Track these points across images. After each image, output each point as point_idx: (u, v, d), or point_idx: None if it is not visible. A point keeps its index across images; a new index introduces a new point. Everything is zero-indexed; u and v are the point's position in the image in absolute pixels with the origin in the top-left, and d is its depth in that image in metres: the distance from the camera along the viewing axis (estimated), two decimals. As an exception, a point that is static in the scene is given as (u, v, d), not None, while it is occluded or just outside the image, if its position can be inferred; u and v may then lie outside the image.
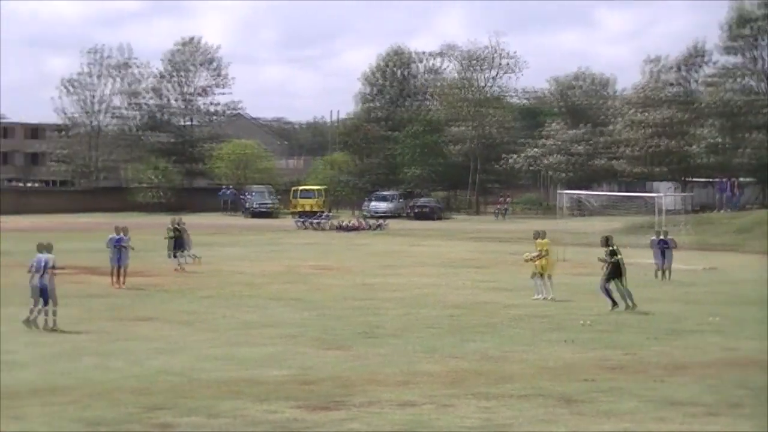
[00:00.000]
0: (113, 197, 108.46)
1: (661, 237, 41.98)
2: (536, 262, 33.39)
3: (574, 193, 74.95)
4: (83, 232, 69.72)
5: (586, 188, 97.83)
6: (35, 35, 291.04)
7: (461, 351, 22.98)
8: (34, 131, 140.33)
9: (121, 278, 34.92)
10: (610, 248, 31.30)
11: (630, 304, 30.43)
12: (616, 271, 30.72)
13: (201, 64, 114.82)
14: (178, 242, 43.36)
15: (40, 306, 25.53)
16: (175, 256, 42.84)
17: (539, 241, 33.75)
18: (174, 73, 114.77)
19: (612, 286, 30.59)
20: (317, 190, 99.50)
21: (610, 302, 30.32)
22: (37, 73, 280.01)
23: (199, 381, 19.19)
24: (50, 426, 15.68)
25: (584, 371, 20.67)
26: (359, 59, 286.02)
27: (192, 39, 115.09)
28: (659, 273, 40.97)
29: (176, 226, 44.01)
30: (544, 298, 32.73)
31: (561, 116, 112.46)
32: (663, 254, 41.24)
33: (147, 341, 23.72)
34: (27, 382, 18.98)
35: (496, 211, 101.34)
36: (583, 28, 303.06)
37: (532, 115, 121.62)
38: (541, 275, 33.36)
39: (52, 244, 26.71)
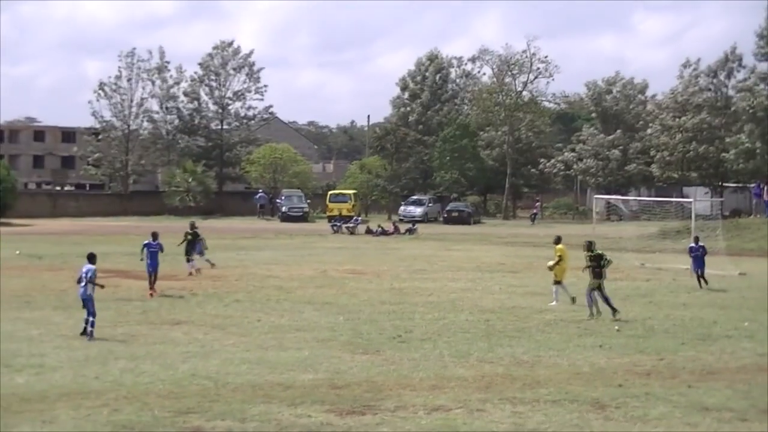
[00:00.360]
0: (147, 201, 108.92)
1: (700, 243, 41.17)
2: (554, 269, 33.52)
3: (609, 198, 74.87)
4: (116, 235, 69.99)
5: (620, 193, 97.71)
6: (72, 39, 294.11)
7: (493, 355, 22.92)
8: (68, 135, 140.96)
9: (154, 284, 34.75)
10: (594, 253, 31.26)
11: (597, 312, 30.19)
12: (598, 276, 30.74)
13: (236, 69, 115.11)
14: (192, 245, 43.14)
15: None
16: (189, 260, 42.59)
17: (557, 246, 33.76)
18: (209, 77, 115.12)
19: (597, 294, 30.51)
20: (350, 194, 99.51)
21: (610, 309, 30.07)
22: (73, 76, 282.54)
23: (230, 385, 19.20)
24: (81, 429, 15.72)
25: (616, 376, 20.60)
26: (396, 63, 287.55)
27: (227, 43, 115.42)
28: (701, 280, 39.61)
29: (192, 229, 43.86)
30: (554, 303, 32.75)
31: (595, 121, 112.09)
32: (701, 260, 40.38)
33: (178, 345, 23.76)
34: (58, 385, 19.04)
35: (532, 215, 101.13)
36: (620, 32, 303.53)
37: (567, 120, 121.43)
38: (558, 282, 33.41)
39: (95, 254, 26.52)
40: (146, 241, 34.91)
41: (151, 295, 33.22)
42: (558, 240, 34.06)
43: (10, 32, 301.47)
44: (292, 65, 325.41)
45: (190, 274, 41.60)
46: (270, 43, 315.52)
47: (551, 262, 34.08)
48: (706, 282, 39.38)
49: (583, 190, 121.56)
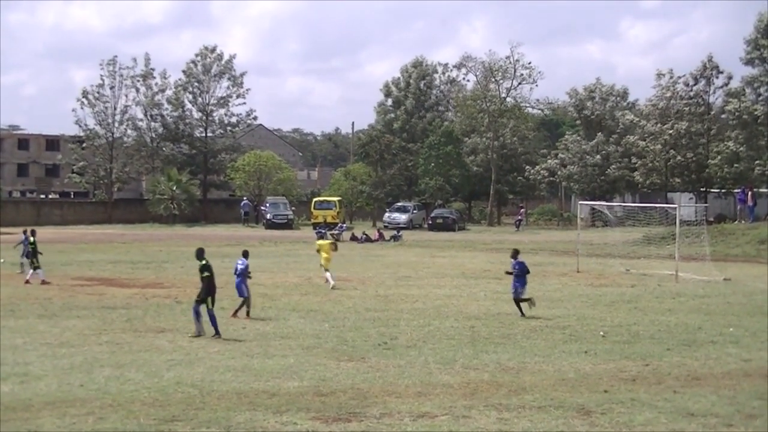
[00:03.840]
0: (131, 209, 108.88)
1: None
2: None
3: (594, 204, 74.99)
4: (101, 243, 69.88)
5: (604, 199, 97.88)
6: (58, 47, 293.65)
7: (478, 362, 22.95)
8: (52, 143, 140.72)
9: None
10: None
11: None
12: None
13: (218, 75, 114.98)
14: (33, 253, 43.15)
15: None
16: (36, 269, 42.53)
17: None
18: (192, 84, 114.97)
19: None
20: (335, 201, 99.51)
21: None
22: (59, 84, 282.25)
23: (215, 393, 19.18)
24: (66, 438, 15.70)
25: (601, 382, 20.64)
26: (382, 71, 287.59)
27: (210, 49, 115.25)
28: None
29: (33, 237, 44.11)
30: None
31: (579, 127, 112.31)
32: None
33: (163, 353, 23.73)
34: (43, 393, 19.00)
35: (517, 222, 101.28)
36: (606, 38, 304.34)
37: (552, 127, 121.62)
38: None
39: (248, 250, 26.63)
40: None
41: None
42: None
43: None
44: (278, 73, 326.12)
45: (27, 282, 41.46)
46: (257, 50, 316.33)
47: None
48: None
49: (567, 197, 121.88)
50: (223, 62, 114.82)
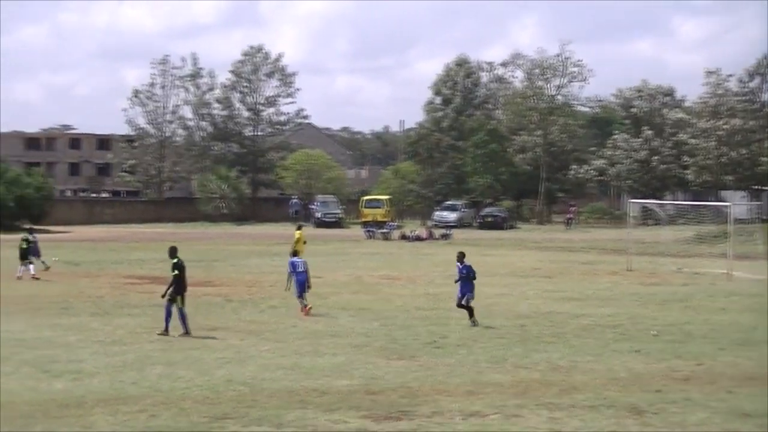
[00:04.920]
0: (181, 207, 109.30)
1: None
2: None
3: (645, 203, 74.50)
4: (151, 242, 70.22)
5: (655, 197, 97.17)
6: (110, 47, 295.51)
7: (529, 361, 22.85)
8: (104, 142, 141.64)
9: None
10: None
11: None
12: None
13: (268, 74, 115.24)
14: (27, 251, 43.57)
15: None
16: (27, 265, 42.97)
17: None
18: (240, 83, 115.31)
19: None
20: (384, 199, 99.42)
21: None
22: (110, 84, 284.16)
23: (266, 391, 19.21)
24: (118, 435, 15.78)
25: (653, 382, 20.49)
26: (432, 69, 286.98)
27: (257, 48, 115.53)
28: None
29: (28, 238, 44.27)
30: None
31: (628, 125, 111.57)
32: None
33: (214, 351, 23.80)
34: (96, 391, 19.10)
35: (566, 220, 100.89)
36: (657, 35, 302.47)
37: (602, 124, 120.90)
38: None
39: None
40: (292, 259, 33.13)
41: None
42: None
43: (50, 41, 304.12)
44: (328, 71, 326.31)
45: (19, 278, 41.95)
46: (307, 49, 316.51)
47: None
48: None
49: (618, 195, 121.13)
50: (270, 61, 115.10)
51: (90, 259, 52.07)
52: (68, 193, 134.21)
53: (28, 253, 43.37)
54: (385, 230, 79.50)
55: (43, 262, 44.59)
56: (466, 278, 29.10)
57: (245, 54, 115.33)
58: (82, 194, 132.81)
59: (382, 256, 57.88)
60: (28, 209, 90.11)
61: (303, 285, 31.55)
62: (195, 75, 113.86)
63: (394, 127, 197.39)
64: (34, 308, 31.79)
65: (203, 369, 21.34)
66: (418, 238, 75.55)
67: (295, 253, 33.76)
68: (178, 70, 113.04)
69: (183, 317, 26.42)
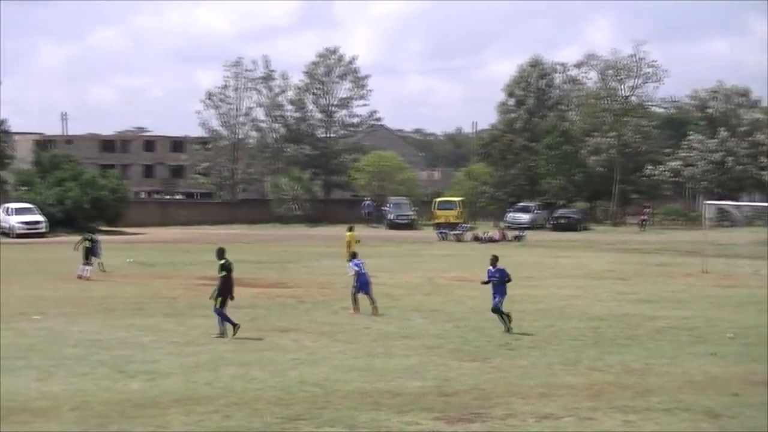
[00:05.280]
0: (254, 209, 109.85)
1: None
2: None
3: (721, 204, 73.70)
4: (225, 243, 70.45)
5: (731, 199, 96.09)
6: (184, 50, 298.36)
7: (603, 363, 22.70)
8: (178, 144, 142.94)
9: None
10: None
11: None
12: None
13: (340, 76, 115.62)
14: (92, 251, 44.11)
15: None
16: (87, 264, 43.61)
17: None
18: (314, 85, 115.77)
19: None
20: (457, 201, 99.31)
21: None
22: (184, 87, 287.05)
23: (339, 392, 19.23)
24: (192, 435, 15.88)
25: (730, 385, 20.26)
26: (505, 70, 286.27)
27: (332, 50, 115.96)
28: None
29: (90, 237, 44.92)
30: None
31: (703, 126, 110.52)
32: None
33: (287, 352, 23.88)
34: (170, 391, 19.24)
35: (640, 222, 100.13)
36: (732, 36, 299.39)
37: (676, 125, 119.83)
38: None
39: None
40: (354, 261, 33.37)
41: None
42: None
43: (124, 44, 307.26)
44: (400, 72, 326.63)
45: (79, 277, 42.43)
46: (380, 50, 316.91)
47: None
48: None
49: (693, 196, 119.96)
50: (344, 63, 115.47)
51: (164, 261, 52.51)
52: (142, 195, 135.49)
53: (90, 252, 43.89)
54: (457, 232, 79.46)
55: (100, 264, 44.97)
56: (499, 282, 28.27)
57: (320, 56, 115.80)
58: (156, 196, 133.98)
59: (455, 258, 57.79)
60: (103, 211, 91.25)
61: (366, 285, 31.94)
62: (267, 77, 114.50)
63: (467, 129, 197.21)
64: (109, 309, 32.12)
65: (276, 370, 21.41)
66: (491, 240, 75.39)
67: (354, 255, 33.76)
68: (251, 72, 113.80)
69: (222, 316, 26.47)
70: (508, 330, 27.67)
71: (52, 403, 18.15)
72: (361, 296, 31.96)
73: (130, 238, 78.40)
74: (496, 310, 28.11)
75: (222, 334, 26.21)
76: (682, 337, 26.99)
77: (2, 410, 17.47)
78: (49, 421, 16.72)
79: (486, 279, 28.72)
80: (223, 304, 26.50)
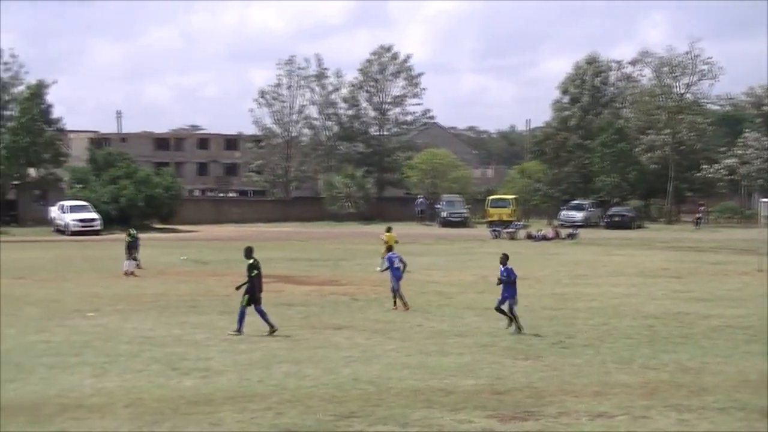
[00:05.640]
0: (307, 207, 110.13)
1: None
2: None
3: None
4: (278, 241, 70.89)
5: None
6: (238, 49, 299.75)
7: (657, 362, 22.54)
8: (231, 142, 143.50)
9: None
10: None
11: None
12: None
13: (394, 74, 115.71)
14: (133, 245, 44.57)
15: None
16: (134, 259, 44.46)
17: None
18: (367, 83, 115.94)
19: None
20: (510, 199, 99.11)
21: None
22: (237, 85, 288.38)
23: (392, 390, 19.22)
24: (246, 432, 15.92)
25: (787, 385, 20.05)
26: (559, 68, 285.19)
27: (386, 48, 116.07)
28: None
29: (131, 232, 45.31)
30: None
31: (759, 124, 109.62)
32: None
33: (340, 349, 23.90)
34: (224, 388, 19.31)
35: (696, 220, 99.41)
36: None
37: (732, 123, 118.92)
38: None
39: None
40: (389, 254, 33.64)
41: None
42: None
43: (179, 43, 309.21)
44: (454, 71, 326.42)
45: (126, 273, 43.25)
46: (434, 49, 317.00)
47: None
48: None
49: (749, 194, 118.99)
50: (398, 62, 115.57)
51: (217, 258, 52.74)
52: (196, 193, 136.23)
53: (132, 247, 44.28)
54: (511, 230, 79.27)
55: (135, 259, 45.12)
56: (508, 282, 27.42)
57: (374, 53, 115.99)
58: (209, 194, 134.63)
59: (509, 256, 57.48)
60: (157, 209, 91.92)
61: (399, 279, 32.07)
62: (320, 75, 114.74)
63: (520, 127, 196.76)
64: (163, 306, 32.31)
65: (329, 367, 21.44)
66: (545, 238, 75.16)
67: (389, 249, 33.76)
68: (304, 70, 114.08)
69: (242, 315, 26.41)
70: (517, 330, 26.91)
71: (106, 399, 18.28)
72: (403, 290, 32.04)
73: (183, 236, 78.83)
74: (500, 310, 27.38)
75: (238, 331, 26.19)
76: (738, 336, 26.76)
77: (58, 406, 17.62)
78: (103, 418, 16.83)
79: (498, 279, 27.79)
80: (249, 302, 26.42)
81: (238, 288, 27.08)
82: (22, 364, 21.65)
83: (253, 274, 26.47)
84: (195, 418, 16.84)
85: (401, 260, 32.23)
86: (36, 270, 46.51)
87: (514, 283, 27.36)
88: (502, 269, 27.53)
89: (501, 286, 27.56)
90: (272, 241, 70.39)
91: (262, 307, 26.60)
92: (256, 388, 19.37)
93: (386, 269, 32.90)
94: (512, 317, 27.21)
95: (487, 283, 40.78)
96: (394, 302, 32.01)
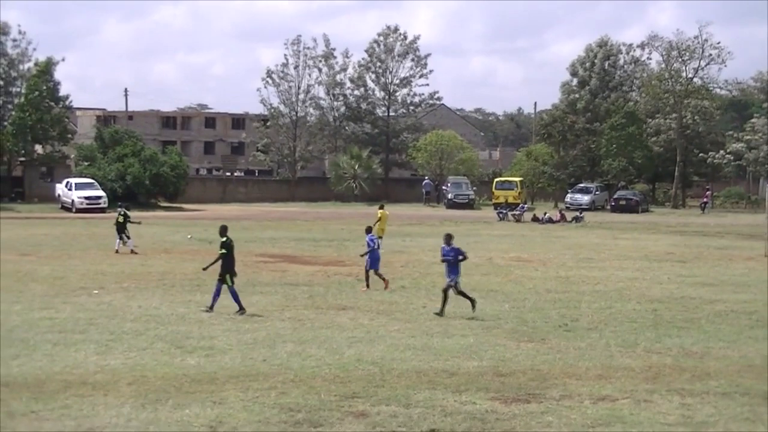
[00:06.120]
0: (314, 187, 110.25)
1: None
2: None
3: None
4: (284, 221, 70.95)
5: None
6: (247, 28, 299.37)
7: (661, 346, 22.54)
8: (238, 121, 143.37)
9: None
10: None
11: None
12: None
13: (401, 55, 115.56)
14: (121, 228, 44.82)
15: None
16: (127, 238, 44.61)
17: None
18: (375, 64, 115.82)
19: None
20: (516, 181, 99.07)
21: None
22: (245, 64, 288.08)
23: (395, 371, 19.23)
24: (249, 411, 15.94)
25: (790, 370, 20.04)
26: (567, 51, 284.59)
27: (393, 29, 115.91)
28: None
29: (123, 212, 45.53)
30: None
31: (767, 109, 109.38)
32: None
33: (344, 330, 23.92)
34: (227, 367, 19.34)
35: (701, 204, 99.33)
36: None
37: (740, 108, 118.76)
38: None
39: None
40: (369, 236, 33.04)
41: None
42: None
43: (187, 21, 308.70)
44: (463, 53, 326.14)
45: (117, 251, 43.95)
46: (442, 30, 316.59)
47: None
48: None
49: (755, 179, 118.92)
50: (405, 42, 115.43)
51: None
52: (202, 172, 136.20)
53: (124, 227, 44.41)
54: (516, 212, 79.27)
55: (128, 237, 45.08)
56: (454, 262, 26.89)
57: (380, 34, 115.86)
58: (216, 173, 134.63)
59: (514, 238, 57.65)
60: (163, 187, 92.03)
61: (376, 262, 32.14)
62: (328, 55, 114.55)
63: (528, 109, 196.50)
64: (168, 285, 32.33)
65: (333, 348, 21.46)
66: (550, 221, 75.18)
67: (368, 230, 33.57)
68: (311, 50, 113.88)
69: (234, 295, 26.48)
70: (441, 314, 26.39)
71: (110, 376, 18.32)
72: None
73: (189, 215, 78.87)
74: (450, 289, 26.70)
75: (210, 308, 26.37)
76: (742, 321, 26.74)
77: (62, 383, 17.67)
78: (107, 395, 16.86)
79: (441, 258, 27.31)
80: (230, 281, 26.51)
81: (205, 269, 27.26)
82: (26, 340, 21.70)
83: (221, 252, 26.53)
84: (198, 396, 16.87)
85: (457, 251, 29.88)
86: (41, 247, 46.58)
87: (459, 263, 26.90)
88: (447, 248, 26.98)
89: (445, 266, 27.03)
90: (278, 221, 70.49)
91: (222, 287, 26.62)
92: (260, 367, 19.40)
93: (368, 252, 32.50)
94: (445, 297, 26.66)
95: (493, 265, 40.92)
96: (367, 283, 32.04)
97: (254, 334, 22.98)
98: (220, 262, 26.66)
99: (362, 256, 32.90)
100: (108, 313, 26.03)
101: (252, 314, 26.01)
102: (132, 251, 43.51)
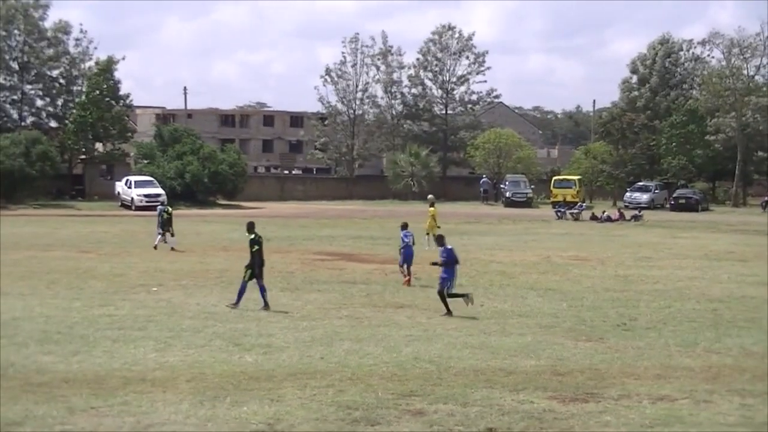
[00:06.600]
0: (371, 185, 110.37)
1: None
2: None
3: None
4: (342, 219, 71.07)
5: None
6: (308, 27, 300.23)
7: (721, 346, 22.34)
8: (296, 119, 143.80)
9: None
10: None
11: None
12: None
13: (458, 53, 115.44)
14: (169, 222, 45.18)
15: None
16: (171, 234, 44.94)
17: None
18: (432, 62, 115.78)
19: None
20: (575, 180, 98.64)
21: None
22: (304, 63, 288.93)
23: (453, 369, 19.20)
24: (307, 409, 15.95)
25: None
26: (627, 49, 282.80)
27: (448, 27, 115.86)
28: None
29: (168, 209, 45.93)
30: None
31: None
32: None
33: (402, 328, 23.91)
34: (285, 365, 19.38)
35: (763, 203, 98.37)
36: None
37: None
38: None
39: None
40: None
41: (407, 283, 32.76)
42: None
43: (248, 20, 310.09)
44: (521, 51, 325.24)
45: (155, 247, 44.36)
46: (501, 28, 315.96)
47: None
48: None
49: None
50: (462, 40, 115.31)
51: (281, 235, 52.88)
52: (261, 170, 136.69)
53: (168, 224, 44.63)
54: (575, 211, 78.87)
55: (172, 234, 45.25)
56: (448, 264, 26.53)
57: (436, 33, 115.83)
58: (274, 171, 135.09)
59: (572, 237, 57.39)
60: (221, 185, 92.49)
61: (410, 258, 32.72)
62: (385, 54, 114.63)
63: (587, 107, 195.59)
64: (227, 282, 32.43)
65: (391, 346, 21.45)
66: (609, 219, 74.75)
67: (405, 226, 33.59)
68: (369, 48, 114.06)
69: (242, 290, 26.74)
70: (449, 312, 26.13)
71: (169, 373, 18.41)
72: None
73: (247, 213, 79.10)
74: (442, 294, 26.45)
75: (235, 305, 26.55)
76: (805, 321, 26.45)
77: (121, 379, 17.79)
78: (165, 392, 16.95)
79: (439, 260, 26.95)
80: (251, 277, 26.70)
81: (248, 267, 27.46)
82: (86, 337, 21.87)
83: (254, 249, 26.67)
84: (256, 393, 16.91)
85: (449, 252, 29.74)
86: (101, 244, 46.99)
87: (454, 264, 26.77)
88: (441, 250, 26.88)
89: (442, 269, 26.74)
90: (335, 219, 70.63)
91: (263, 282, 26.90)
92: (317, 365, 19.43)
93: (405, 246, 32.84)
94: (445, 298, 26.45)
95: (550, 264, 40.74)
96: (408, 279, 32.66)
97: (312, 332, 23.02)
98: (254, 258, 27.03)
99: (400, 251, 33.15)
100: (167, 310, 26.19)
101: (310, 312, 26.06)
102: (173, 249, 43.67)
